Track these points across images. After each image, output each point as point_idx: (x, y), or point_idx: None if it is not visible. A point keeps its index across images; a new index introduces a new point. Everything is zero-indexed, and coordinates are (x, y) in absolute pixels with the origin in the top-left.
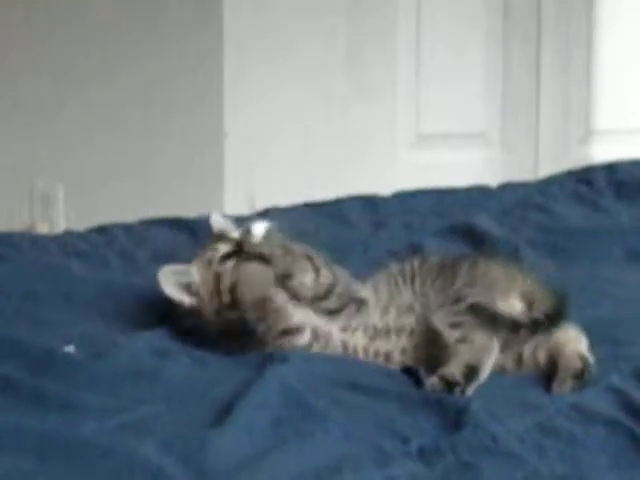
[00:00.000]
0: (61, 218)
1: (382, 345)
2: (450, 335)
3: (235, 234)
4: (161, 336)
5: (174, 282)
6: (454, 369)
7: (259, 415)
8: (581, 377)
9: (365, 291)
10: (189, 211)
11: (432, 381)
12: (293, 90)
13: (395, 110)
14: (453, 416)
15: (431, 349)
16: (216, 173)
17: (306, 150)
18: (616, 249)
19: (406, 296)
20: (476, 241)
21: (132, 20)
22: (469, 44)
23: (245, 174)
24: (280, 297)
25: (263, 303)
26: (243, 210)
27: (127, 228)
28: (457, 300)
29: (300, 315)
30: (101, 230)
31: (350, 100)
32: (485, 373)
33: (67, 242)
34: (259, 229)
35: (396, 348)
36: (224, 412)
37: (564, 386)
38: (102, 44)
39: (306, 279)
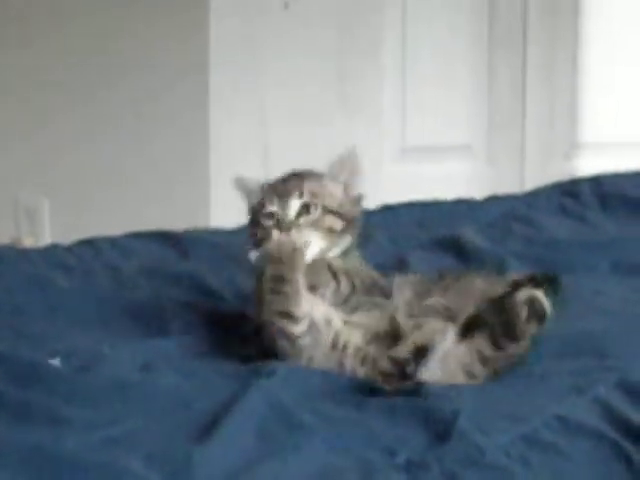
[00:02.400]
0: (47, 232)
1: (372, 350)
2: (406, 324)
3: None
4: (147, 349)
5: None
6: (402, 349)
7: (245, 428)
8: (532, 306)
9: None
10: (175, 224)
11: (381, 364)
12: (279, 104)
13: (380, 123)
14: (440, 428)
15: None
16: (202, 186)
17: (292, 163)
18: (602, 262)
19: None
20: (462, 254)
21: (117, 34)
22: (454, 57)
23: (231, 187)
24: (301, 283)
25: (282, 279)
26: (229, 223)
27: (113, 241)
28: (423, 299)
29: (306, 307)
30: (87, 243)
31: (336, 114)
32: (437, 352)
33: (53, 255)
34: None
35: (383, 355)
36: (210, 425)
37: (519, 318)
38: (87, 57)
39: (327, 291)
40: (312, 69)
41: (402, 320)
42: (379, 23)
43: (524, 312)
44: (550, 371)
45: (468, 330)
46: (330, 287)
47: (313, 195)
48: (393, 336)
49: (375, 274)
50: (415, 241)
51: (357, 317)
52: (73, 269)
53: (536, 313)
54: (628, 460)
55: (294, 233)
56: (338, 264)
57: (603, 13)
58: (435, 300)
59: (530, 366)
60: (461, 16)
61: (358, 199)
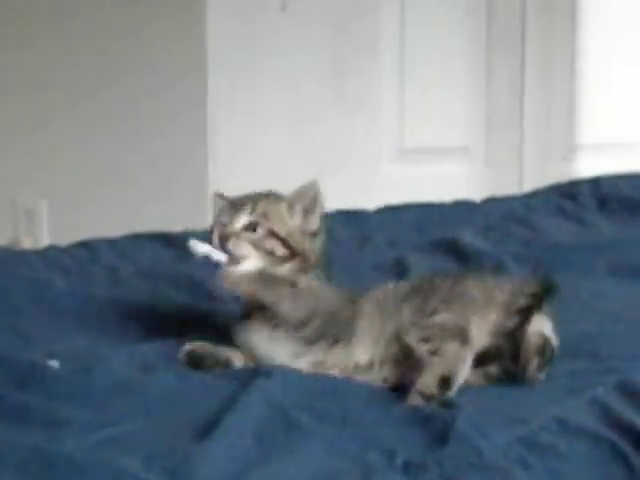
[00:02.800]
0: (45, 233)
1: (362, 378)
2: (421, 349)
3: None
4: (145, 351)
5: None
6: (429, 382)
7: (244, 430)
8: (543, 353)
9: (361, 323)
10: (173, 226)
11: (412, 399)
12: (277, 103)
13: (378, 124)
14: (438, 430)
15: (405, 365)
16: (201, 186)
17: (289, 164)
18: (600, 263)
19: (393, 324)
20: (460, 256)
21: (116, 34)
22: (452, 58)
23: (229, 188)
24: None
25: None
26: None
27: (111, 243)
28: (429, 314)
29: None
30: (85, 245)
31: (334, 114)
32: (459, 382)
33: (51, 257)
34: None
35: (377, 379)
36: (209, 427)
37: (530, 366)
38: (87, 57)
39: (283, 308)
40: (309, 68)
41: (413, 343)
42: (376, 22)
43: (536, 361)
44: (549, 373)
45: (481, 361)
46: (285, 306)
47: (263, 216)
48: (404, 355)
49: (339, 303)
50: (413, 243)
51: (322, 355)
52: (71, 271)
53: (547, 358)
54: (627, 462)
55: (232, 243)
56: (301, 281)
57: (601, 13)
58: (446, 318)
59: None
60: (458, 15)
61: (313, 233)
